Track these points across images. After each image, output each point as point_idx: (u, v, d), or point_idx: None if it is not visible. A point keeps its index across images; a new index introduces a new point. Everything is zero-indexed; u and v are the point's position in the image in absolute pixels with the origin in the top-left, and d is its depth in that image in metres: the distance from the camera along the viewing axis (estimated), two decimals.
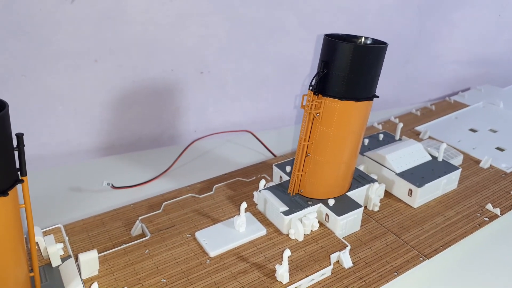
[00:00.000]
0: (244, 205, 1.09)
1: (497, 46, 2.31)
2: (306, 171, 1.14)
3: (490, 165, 1.47)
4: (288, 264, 0.96)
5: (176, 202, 1.23)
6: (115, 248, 1.05)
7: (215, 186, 1.30)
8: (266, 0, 1.62)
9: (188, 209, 1.20)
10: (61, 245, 0.99)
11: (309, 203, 1.13)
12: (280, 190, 1.18)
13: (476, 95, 2.08)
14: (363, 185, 1.21)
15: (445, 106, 1.99)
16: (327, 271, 1.00)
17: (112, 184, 1.36)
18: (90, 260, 0.95)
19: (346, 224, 1.11)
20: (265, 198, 1.16)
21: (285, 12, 1.68)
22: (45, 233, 1.05)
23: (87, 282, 0.95)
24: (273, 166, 1.32)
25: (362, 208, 1.13)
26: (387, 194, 1.30)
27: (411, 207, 1.26)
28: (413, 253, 1.08)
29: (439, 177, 1.28)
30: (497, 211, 1.24)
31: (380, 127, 1.76)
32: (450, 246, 1.12)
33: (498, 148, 1.60)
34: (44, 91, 1.45)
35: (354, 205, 1.13)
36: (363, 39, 1.08)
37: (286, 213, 1.09)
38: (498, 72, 2.38)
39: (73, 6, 1.36)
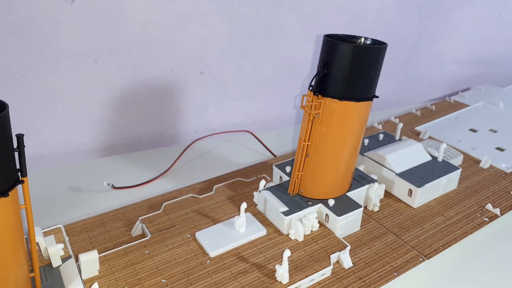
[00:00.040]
0: (244, 205, 1.09)
1: (497, 46, 2.31)
2: (306, 172, 1.14)
3: (490, 165, 1.48)
4: (288, 264, 0.96)
5: (176, 203, 1.23)
6: (115, 249, 1.05)
7: (215, 186, 1.30)
8: (266, 0, 1.62)
9: (188, 209, 1.20)
10: (62, 245, 0.99)
11: (309, 203, 1.13)
12: (280, 190, 1.18)
13: (476, 95, 2.08)
14: (363, 185, 1.21)
15: (445, 106, 1.99)
16: (327, 271, 1.01)
17: (112, 184, 1.36)
18: (90, 261, 0.95)
19: (346, 224, 1.11)
20: (265, 198, 1.16)
21: (285, 12, 1.68)
22: (46, 234, 1.05)
23: (88, 283, 0.95)
24: (273, 166, 1.32)
25: (362, 208, 1.13)
26: (387, 194, 1.30)
27: (411, 207, 1.26)
28: (413, 253, 1.09)
29: (439, 177, 1.28)
30: (497, 211, 1.24)
31: (380, 127, 1.76)
32: (450, 246, 1.12)
33: (498, 148, 1.60)
34: (44, 91, 1.45)
35: (354, 205, 1.13)
36: (362, 40, 1.08)
37: (286, 213, 1.09)
38: (498, 72, 2.38)
39: (73, 6, 1.36)
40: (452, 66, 2.24)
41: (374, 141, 1.49)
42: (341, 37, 1.07)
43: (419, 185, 1.24)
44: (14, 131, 0.72)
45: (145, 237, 1.09)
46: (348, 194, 1.18)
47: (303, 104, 1.08)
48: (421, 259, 1.07)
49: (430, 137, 1.66)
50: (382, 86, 1.18)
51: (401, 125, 1.52)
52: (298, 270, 0.99)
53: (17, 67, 1.38)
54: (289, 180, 1.18)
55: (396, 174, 1.29)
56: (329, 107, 1.05)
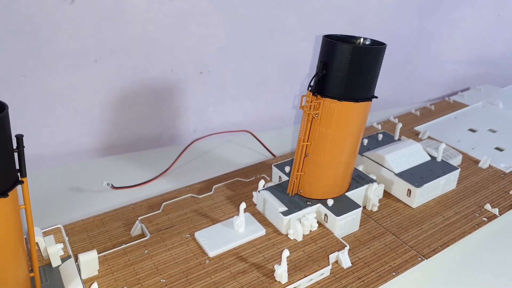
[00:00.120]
0: (243, 205, 1.09)
1: (497, 46, 2.31)
2: (305, 172, 1.14)
3: (489, 165, 1.48)
4: (287, 264, 0.96)
5: (175, 202, 1.23)
6: (115, 248, 1.05)
7: (214, 186, 1.30)
8: (266, 0, 1.63)
9: (188, 209, 1.20)
10: (61, 245, 1.00)
11: (308, 203, 1.14)
12: (279, 190, 1.18)
13: (476, 95, 2.08)
14: (362, 185, 1.21)
15: (444, 106, 1.99)
16: (325, 271, 1.01)
17: (112, 184, 1.36)
18: (90, 260, 0.95)
19: (345, 224, 1.11)
20: (264, 198, 1.16)
21: (285, 12, 1.68)
22: (45, 234, 1.05)
23: (87, 282, 0.95)
24: (272, 166, 1.33)
25: (361, 208, 1.13)
26: (386, 194, 1.31)
27: (410, 207, 1.26)
28: (412, 253, 1.09)
29: (438, 177, 1.28)
30: (496, 211, 1.24)
31: (379, 127, 1.76)
32: (448, 246, 1.12)
33: (497, 148, 1.60)
34: (44, 91, 1.45)
35: (353, 205, 1.13)
36: (361, 40, 1.08)
37: (285, 213, 1.10)
38: (498, 72, 2.38)
39: (73, 6, 1.36)
40: (452, 66, 2.24)
41: (373, 141, 1.49)
42: (340, 38, 1.07)
43: (418, 185, 1.24)
44: (14, 131, 0.72)
45: (145, 237, 1.10)
46: (347, 194, 1.18)
47: (302, 104, 1.08)
48: (419, 259, 1.07)
49: (429, 137, 1.66)
50: (382, 86, 1.18)
51: (400, 125, 1.52)
52: (297, 270, 0.99)
53: (17, 67, 1.38)
54: (288, 180, 1.18)
55: (395, 174, 1.30)
56: (328, 108, 1.05)
